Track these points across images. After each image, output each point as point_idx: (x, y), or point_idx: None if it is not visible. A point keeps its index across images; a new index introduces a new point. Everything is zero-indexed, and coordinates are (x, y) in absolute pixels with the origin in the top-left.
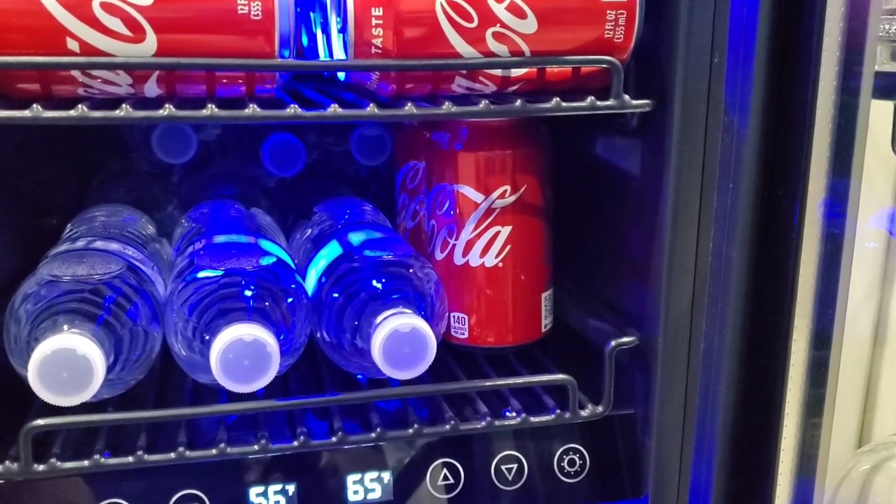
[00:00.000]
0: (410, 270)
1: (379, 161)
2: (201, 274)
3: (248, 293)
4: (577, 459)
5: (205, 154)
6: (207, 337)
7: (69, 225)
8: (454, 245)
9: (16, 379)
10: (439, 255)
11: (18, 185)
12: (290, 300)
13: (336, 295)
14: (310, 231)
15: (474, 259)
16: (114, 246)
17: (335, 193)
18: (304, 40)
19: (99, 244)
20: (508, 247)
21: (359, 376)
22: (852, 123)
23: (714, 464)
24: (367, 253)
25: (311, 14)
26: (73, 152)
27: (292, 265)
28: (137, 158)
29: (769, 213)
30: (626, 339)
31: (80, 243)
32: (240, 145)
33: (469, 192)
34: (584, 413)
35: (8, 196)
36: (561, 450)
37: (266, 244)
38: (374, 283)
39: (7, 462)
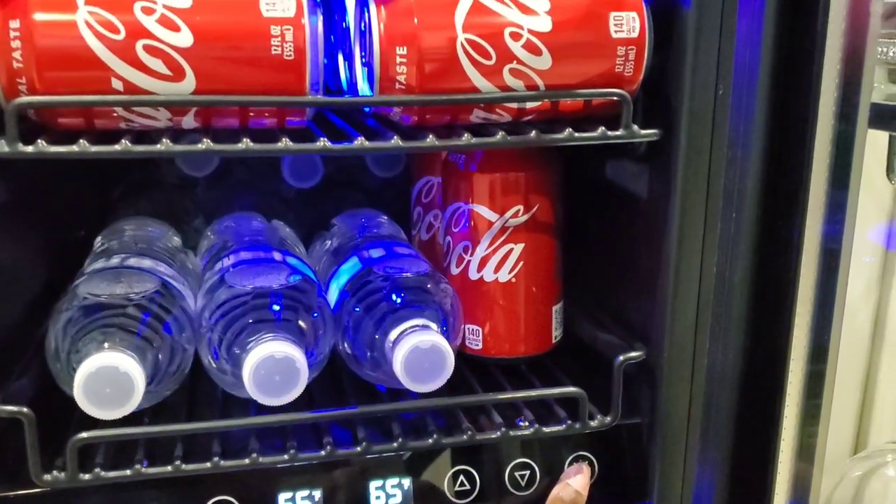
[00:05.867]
0: (429, 286)
1: (393, 173)
2: (232, 291)
3: (278, 310)
4: None
5: (226, 166)
6: (238, 352)
7: (98, 238)
8: (469, 261)
9: (55, 391)
10: (455, 270)
11: (46, 199)
12: (315, 316)
13: (358, 310)
14: (329, 243)
15: (488, 274)
16: (147, 263)
17: (352, 204)
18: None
19: (132, 262)
20: (521, 263)
21: (378, 386)
22: (849, 155)
23: (716, 471)
24: (388, 270)
25: (331, 37)
26: (95, 165)
27: (315, 280)
28: (160, 170)
29: (770, 241)
30: (634, 354)
31: (115, 261)
32: (260, 158)
33: (484, 211)
34: (593, 423)
35: (38, 211)
36: (571, 456)
37: (292, 261)
38: (395, 298)
39: (55, 472)
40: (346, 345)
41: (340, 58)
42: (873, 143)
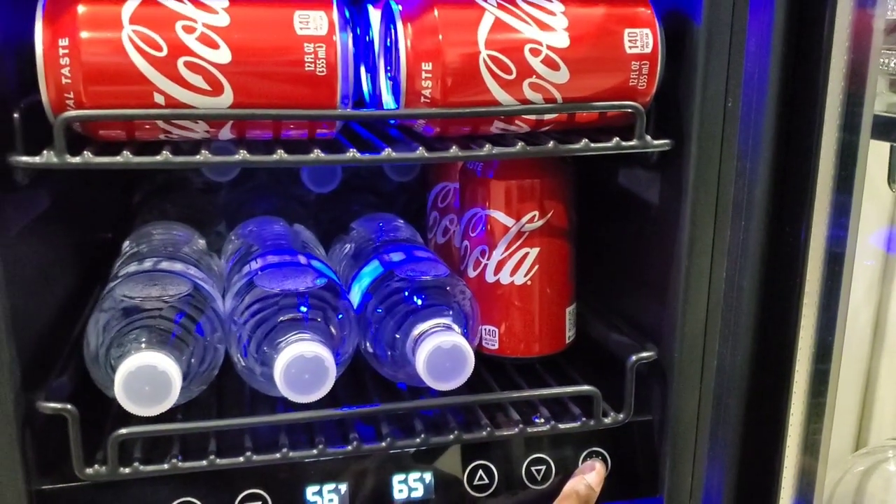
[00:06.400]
0: (448, 289)
1: (409, 178)
2: (261, 293)
3: (306, 311)
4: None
5: (248, 171)
6: (269, 351)
7: (126, 241)
8: (486, 264)
9: (89, 387)
10: (472, 273)
11: (76, 202)
12: (341, 317)
13: (381, 312)
14: (349, 247)
15: (505, 277)
16: (178, 266)
17: (369, 208)
18: None
19: (164, 265)
20: (536, 266)
21: (399, 384)
22: (853, 164)
23: (725, 466)
24: (409, 273)
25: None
26: (122, 171)
27: (339, 282)
28: (184, 175)
29: (777, 247)
30: (646, 355)
31: (147, 264)
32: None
33: (501, 216)
34: (606, 420)
35: (69, 214)
36: (585, 452)
37: (316, 264)
38: (416, 300)
39: (96, 466)
40: (368, 344)
41: (363, 69)
42: (875, 151)
